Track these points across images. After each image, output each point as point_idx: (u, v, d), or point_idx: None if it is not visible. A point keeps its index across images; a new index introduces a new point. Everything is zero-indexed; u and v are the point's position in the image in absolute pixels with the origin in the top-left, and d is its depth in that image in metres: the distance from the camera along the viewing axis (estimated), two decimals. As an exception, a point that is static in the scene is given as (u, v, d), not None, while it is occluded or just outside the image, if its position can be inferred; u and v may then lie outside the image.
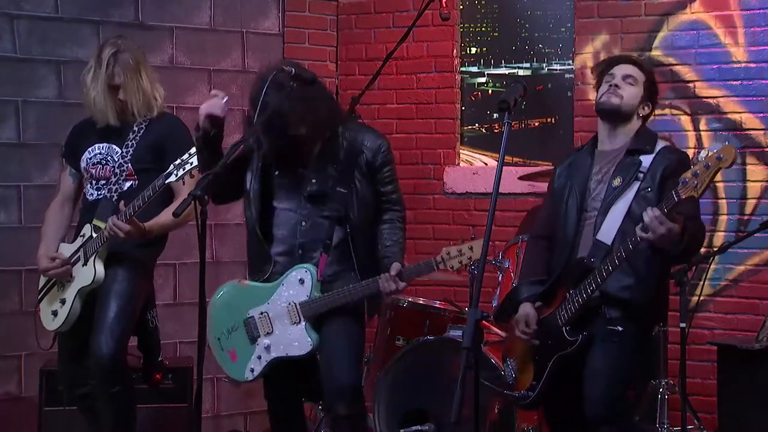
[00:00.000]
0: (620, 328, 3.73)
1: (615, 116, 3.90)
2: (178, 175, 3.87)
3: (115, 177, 4.26)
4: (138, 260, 4.29)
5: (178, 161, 3.88)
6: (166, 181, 3.92)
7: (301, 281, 3.87)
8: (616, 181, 3.80)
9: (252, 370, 3.94)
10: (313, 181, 3.90)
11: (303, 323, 3.85)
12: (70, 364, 4.37)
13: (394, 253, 3.88)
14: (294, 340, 3.86)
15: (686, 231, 3.55)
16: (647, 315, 3.85)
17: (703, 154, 3.38)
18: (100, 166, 4.31)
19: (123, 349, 4.19)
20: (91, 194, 4.32)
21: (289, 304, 3.88)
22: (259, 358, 3.92)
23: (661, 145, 3.86)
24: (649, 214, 3.48)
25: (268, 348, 3.91)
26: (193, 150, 3.86)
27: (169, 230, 4.33)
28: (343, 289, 3.81)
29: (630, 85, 3.89)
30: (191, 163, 3.84)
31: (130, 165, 4.26)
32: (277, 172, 3.95)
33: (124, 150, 4.28)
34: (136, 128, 4.31)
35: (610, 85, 3.89)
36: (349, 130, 3.94)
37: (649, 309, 3.83)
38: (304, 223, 3.90)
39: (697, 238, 3.72)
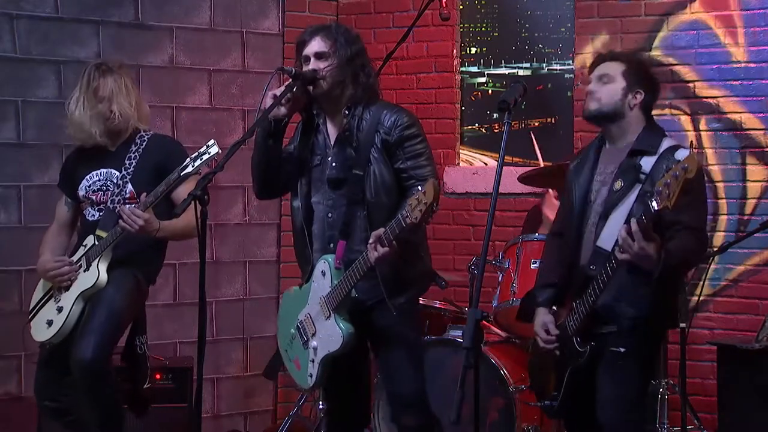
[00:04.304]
0: (622, 349, 3.62)
1: (600, 120, 3.79)
2: (195, 166, 3.85)
3: (117, 198, 4.25)
4: (134, 276, 4.28)
5: (195, 154, 3.85)
6: (182, 173, 3.90)
7: (323, 273, 3.78)
8: (617, 185, 3.68)
9: (311, 376, 3.83)
10: (333, 165, 3.82)
11: (333, 316, 3.74)
12: (45, 369, 4.32)
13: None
14: (330, 335, 3.75)
15: (662, 250, 3.43)
16: (648, 327, 3.69)
17: (672, 163, 3.29)
18: (101, 192, 4.31)
19: (105, 355, 4.12)
20: (92, 215, 4.31)
21: (320, 299, 3.78)
22: (312, 361, 3.81)
23: (666, 144, 3.71)
24: (621, 235, 3.42)
25: (315, 349, 3.80)
26: (211, 141, 3.83)
27: (176, 236, 4.29)
28: (347, 271, 3.68)
29: (605, 84, 3.76)
30: (209, 153, 3.81)
31: (131, 186, 4.25)
32: (310, 165, 3.87)
33: (124, 172, 4.27)
34: (133, 148, 4.31)
35: (587, 92, 3.80)
36: (370, 111, 3.80)
37: (648, 320, 3.67)
38: (330, 215, 3.81)
39: (686, 255, 3.58)
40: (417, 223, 3.44)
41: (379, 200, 3.75)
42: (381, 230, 3.56)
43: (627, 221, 3.58)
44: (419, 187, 3.45)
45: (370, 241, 3.58)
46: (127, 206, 4.07)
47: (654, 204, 3.31)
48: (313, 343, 3.82)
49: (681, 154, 3.33)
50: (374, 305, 3.78)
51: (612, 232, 3.63)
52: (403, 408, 3.82)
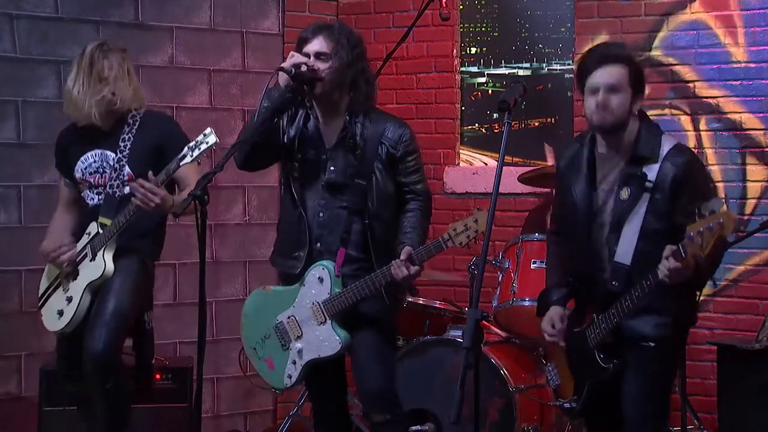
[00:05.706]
0: (651, 344, 3.61)
1: (613, 131, 3.66)
2: (194, 156, 3.81)
3: (116, 182, 4.24)
4: (140, 260, 4.28)
5: (193, 143, 3.81)
6: (181, 164, 3.87)
7: (321, 279, 3.81)
8: (624, 194, 3.63)
9: (290, 377, 3.89)
10: (332, 168, 3.84)
11: (329, 322, 3.79)
12: (66, 360, 4.36)
13: (411, 238, 3.76)
14: (324, 340, 3.81)
15: (698, 266, 3.43)
16: (674, 327, 3.69)
17: (706, 210, 3.26)
18: (98, 174, 4.29)
19: (117, 346, 4.15)
20: (92, 199, 4.31)
21: (313, 304, 3.82)
22: (294, 363, 3.87)
23: (666, 146, 3.64)
24: (663, 270, 3.39)
25: (300, 352, 3.86)
26: (209, 130, 3.79)
27: (187, 210, 4.26)
28: (360, 282, 3.73)
29: (615, 93, 3.60)
30: (207, 143, 3.77)
31: (128, 169, 4.23)
32: (299, 155, 3.88)
33: (120, 155, 4.26)
34: (126, 129, 4.28)
35: (597, 105, 3.61)
36: (370, 119, 3.84)
37: (674, 323, 3.68)
38: (321, 214, 3.84)
39: (714, 262, 3.59)
40: (458, 247, 3.59)
41: (380, 211, 3.82)
42: (410, 249, 3.67)
43: (640, 236, 3.58)
44: (469, 216, 3.58)
45: (402, 257, 3.66)
46: (143, 182, 3.97)
47: (687, 250, 3.31)
48: (297, 345, 3.87)
49: (715, 205, 3.25)
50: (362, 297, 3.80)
51: (627, 246, 3.62)
52: (373, 404, 3.85)
